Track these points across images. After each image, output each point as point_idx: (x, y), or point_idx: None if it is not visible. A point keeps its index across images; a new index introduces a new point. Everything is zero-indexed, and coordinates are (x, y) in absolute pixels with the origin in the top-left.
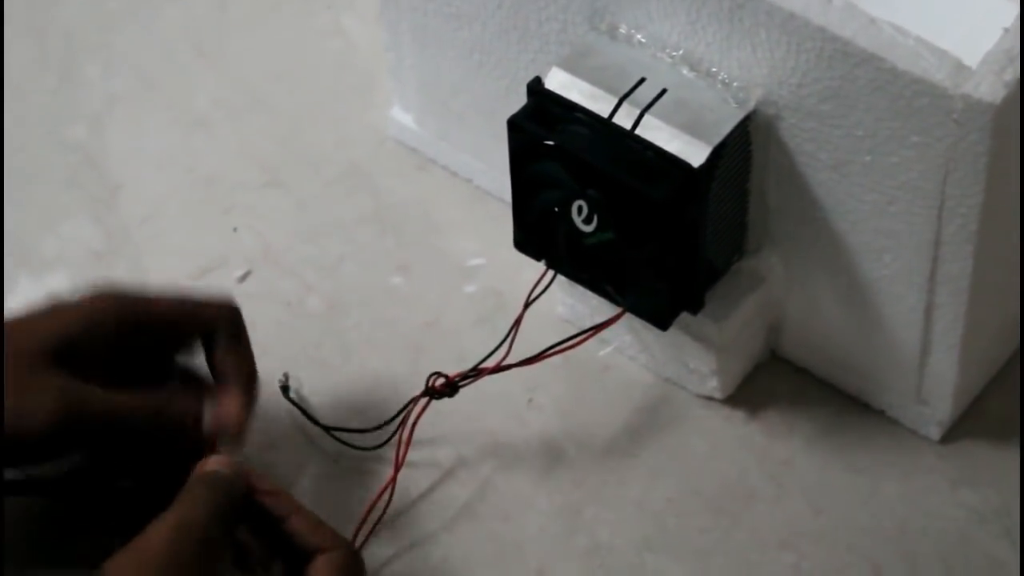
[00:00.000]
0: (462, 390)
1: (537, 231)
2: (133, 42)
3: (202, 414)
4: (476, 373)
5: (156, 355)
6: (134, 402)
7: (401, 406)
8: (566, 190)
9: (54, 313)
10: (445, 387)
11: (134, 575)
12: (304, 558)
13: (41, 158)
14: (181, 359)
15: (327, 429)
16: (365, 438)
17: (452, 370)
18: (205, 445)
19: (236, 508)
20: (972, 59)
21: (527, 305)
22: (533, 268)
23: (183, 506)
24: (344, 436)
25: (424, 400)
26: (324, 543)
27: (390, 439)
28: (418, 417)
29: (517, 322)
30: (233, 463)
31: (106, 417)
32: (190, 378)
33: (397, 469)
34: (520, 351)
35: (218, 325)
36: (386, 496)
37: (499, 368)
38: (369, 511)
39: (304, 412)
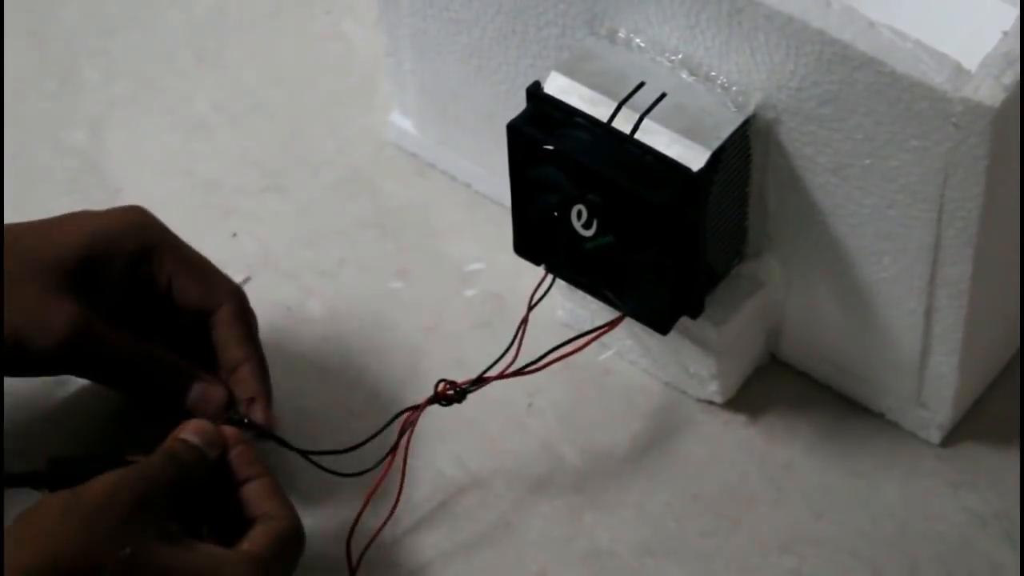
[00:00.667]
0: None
1: (537, 235)
2: (133, 46)
3: (194, 384)
4: (483, 380)
5: (163, 305)
6: (140, 349)
7: (402, 410)
8: (565, 195)
9: (78, 223)
10: (454, 394)
11: (60, 513)
12: (247, 523)
13: (41, 162)
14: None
15: (304, 454)
16: (364, 453)
17: (452, 374)
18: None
19: (194, 478)
20: (971, 62)
21: (531, 308)
22: (532, 273)
23: (137, 467)
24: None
25: (427, 405)
26: (269, 511)
27: (392, 450)
28: (412, 421)
29: (524, 323)
30: (208, 430)
31: (110, 355)
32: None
33: (402, 480)
34: (521, 355)
35: (232, 298)
36: (388, 502)
37: (505, 375)
38: (363, 508)
39: (280, 440)
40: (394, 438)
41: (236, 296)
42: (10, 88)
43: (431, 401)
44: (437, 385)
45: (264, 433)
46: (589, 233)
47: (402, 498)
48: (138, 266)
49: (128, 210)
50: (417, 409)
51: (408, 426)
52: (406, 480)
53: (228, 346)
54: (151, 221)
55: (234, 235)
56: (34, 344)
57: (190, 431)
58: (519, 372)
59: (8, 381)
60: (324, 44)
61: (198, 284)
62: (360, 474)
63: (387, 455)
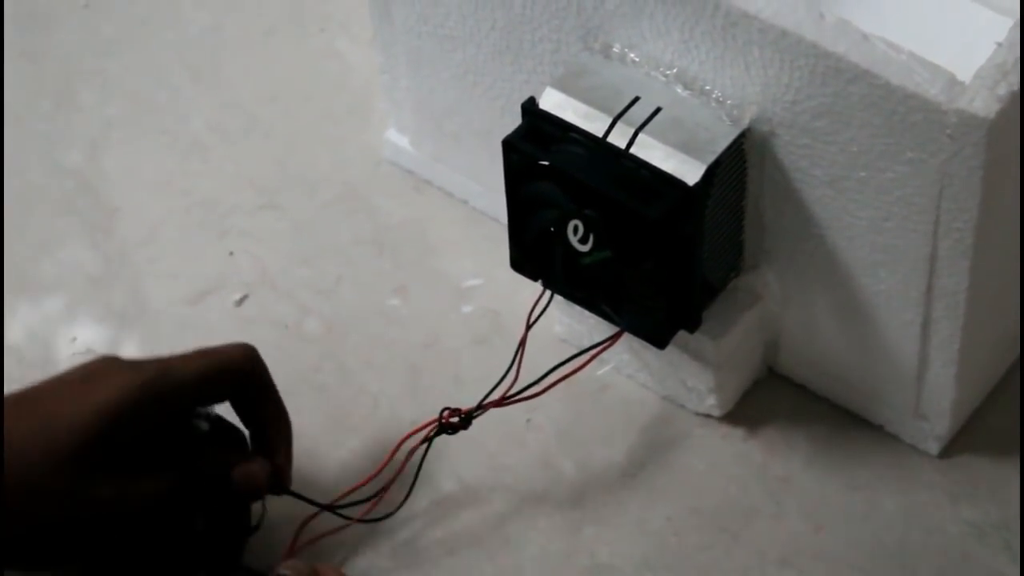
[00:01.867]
0: None
1: (533, 251)
2: (128, 67)
3: (232, 465)
4: (485, 406)
5: (182, 415)
6: (151, 489)
7: (400, 428)
8: (562, 210)
9: (75, 407)
10: (459, 421)
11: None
12: None
13: (38, 183)
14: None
15: (328, 508)
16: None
17: (450, 391)
18: (241, 498)
19: None
20: (965, 74)
21: (529, 327)
22: (530, 288)
23: None
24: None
25: (435, 436)
26: None
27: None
28: (421, 452)
29: (522, 344)
30: (303, 569)
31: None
32: (221, 428)
33: (405, 498)
34: (521, 371)
35: (246, 378)
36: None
37: (507, 400)
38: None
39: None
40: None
41: (248, 360)
42: (7, 109)
43: (439, 432)
44: (442, 413)
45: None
46: (586, 248)
47: (400, 513)
48: (149, 430)
49: (130, 368)
50: (425, 441)
51: (412, 453)
52: (404, 493)
53: (262, 417)
54: (143, 374)
55: (231, 254)
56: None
57: (288, 566)
58: (520, 397)
59: None
60: (319, 62)
61: (212, 363)
62: (378, 520)
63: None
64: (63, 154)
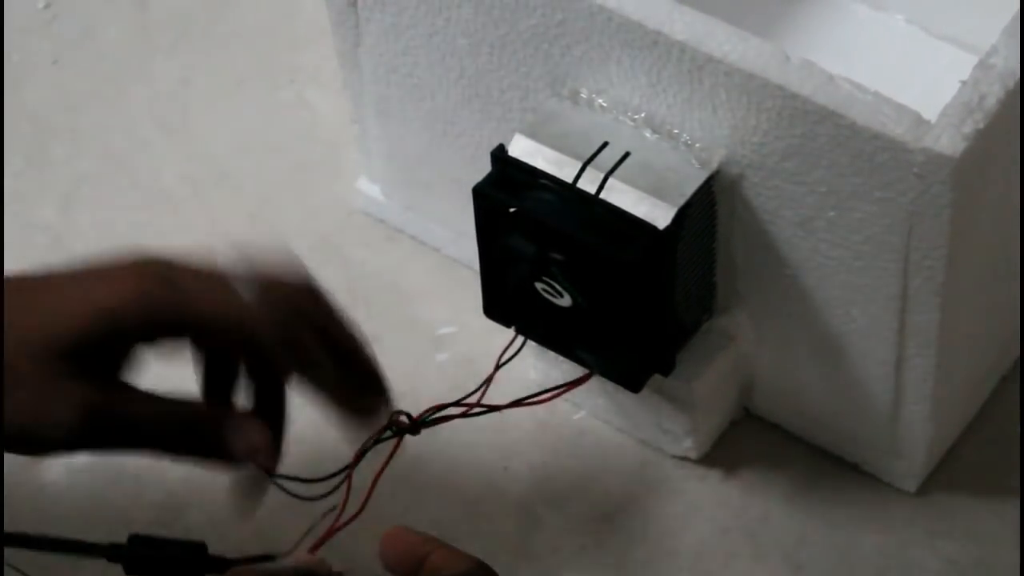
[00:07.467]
0: (438, 463)
1: (506, 297)
2: (99, 122)
3: (234, 432)
4: (440, 416)
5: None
6: (163, 409)
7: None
8: (533, 256)
9: (75, 298)
10: (409, 424)
11: None
12: None
13: (10, 240)
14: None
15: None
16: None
17: None
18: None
19: None
20: (931, 113)
21: (498, 367)
22: (504, 334)
23: None
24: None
25: (385, 434)
26: None
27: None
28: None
29: (488, 381)
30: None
31: (130, 423)
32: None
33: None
34: (494, 416)
35: (269, 341)
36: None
37: (468, 413)
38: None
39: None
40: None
41: (271, 327)
42: None
43: (387, 429)
44: (392, 415)
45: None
46: (558, 294)
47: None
48: (148, 341)
49: (135, 273)
50: (375, 441)
51: (361, 454)
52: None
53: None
54: (160, 287)
55: None
56: (45, 438)
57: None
58: (480, 406)
59: None
60: (289, 113)
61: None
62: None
63: (342, 477)
64: (35, 210)
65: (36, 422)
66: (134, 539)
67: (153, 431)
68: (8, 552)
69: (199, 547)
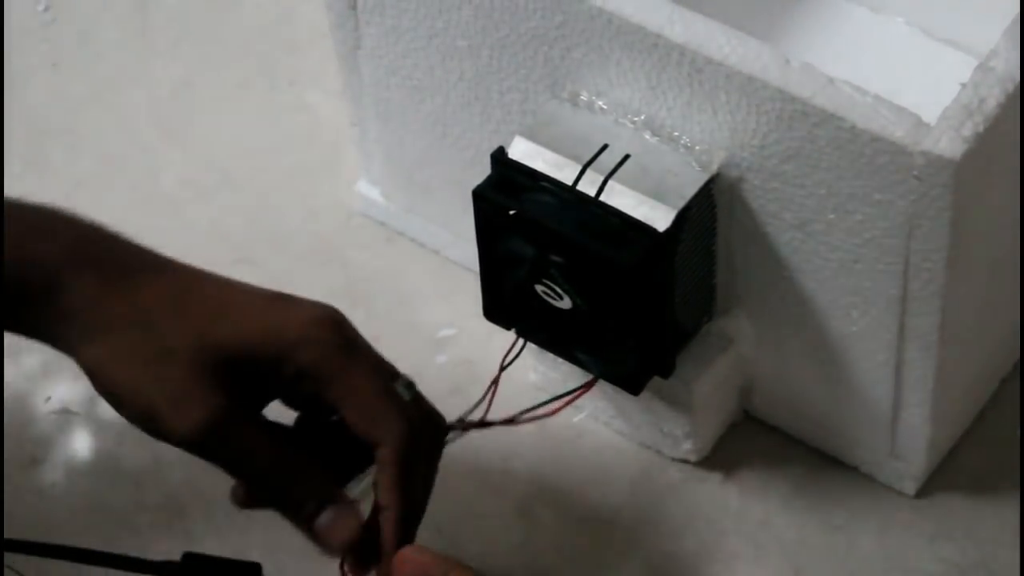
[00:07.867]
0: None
1: (506, 300)
2: (97, 125)
3: (328, 508)
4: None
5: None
6: (279, 458)
7: None
8: (533, 258)
9: (258, 312)
10: None
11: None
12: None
13: None
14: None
15: None
16: None
17: None
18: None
19: None
20: (931, 115)
21: (501, 370)
22: (504, 337)
23: None
24: None
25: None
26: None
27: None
28: None
29: (494, 383)
30: None
31: (245, 457)
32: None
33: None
34: (493, 417)
35: (395, 439)
36: None
37: (476, 425)
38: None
39: None
40: None
41: (401, 437)
42: None
43: None
44: None
45: None
46: (558, 296)
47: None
48: (303, 381)
49: (320, 316)
50: None
51: None
52: None
53: (379, 487)
54: (336, 336)
55: None
56: (165, 425)
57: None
58: (494, 423)
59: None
60: (290, 116)
61: (363, 419)
62: None
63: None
64: None
65: (163, 409)
66: (188, 557)
67: (254, 471)
68: (8, 556)
69: (254, 567)
